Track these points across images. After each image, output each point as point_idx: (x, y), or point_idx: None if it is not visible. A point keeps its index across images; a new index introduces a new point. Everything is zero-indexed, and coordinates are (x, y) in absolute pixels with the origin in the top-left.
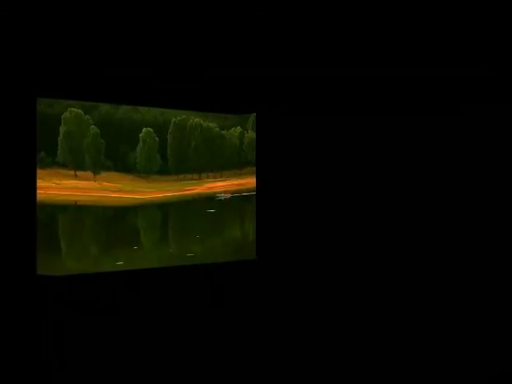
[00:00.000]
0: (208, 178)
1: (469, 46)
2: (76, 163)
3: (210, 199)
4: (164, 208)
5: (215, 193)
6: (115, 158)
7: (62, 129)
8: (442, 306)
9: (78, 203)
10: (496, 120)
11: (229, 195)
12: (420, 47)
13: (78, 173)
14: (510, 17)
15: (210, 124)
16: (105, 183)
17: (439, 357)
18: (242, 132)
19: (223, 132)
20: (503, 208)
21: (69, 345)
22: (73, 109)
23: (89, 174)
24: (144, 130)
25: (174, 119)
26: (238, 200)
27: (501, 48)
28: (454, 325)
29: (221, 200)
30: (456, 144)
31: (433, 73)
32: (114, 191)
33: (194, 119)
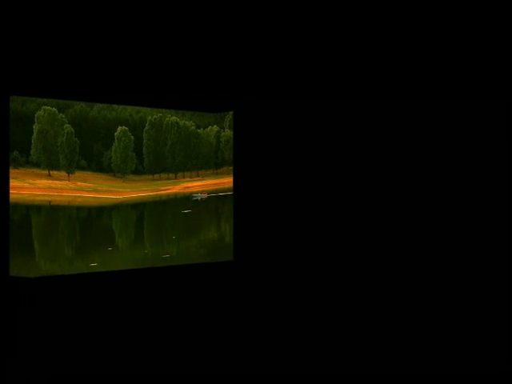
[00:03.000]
0: (184, 177)
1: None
2: (50, 162)
3: (186, 199)
4: (139, 208)
5: (192, 193)
6: (90, 157)
7: (35, 127)
8: (427, 309)
9: (51, 203)
10: (490, 113)
11: (205, 195)
12: (402, 35)
13: (52, 172)
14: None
15: (187, 122)
16: (79, 183)
17: (426, 359)
18: (218, 131)
19: (200, 131)
20: (502, 204)
21: (41, 347)
22: (46, 107)
23: (63, 173)
24: (119, 128)
25: (150, 117)
26: (215, 200)
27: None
28: (444, 325)
29: (197, 200)
30: (451, 132)
31: (425, 58)
32: (88, 191)
33: (171, 118)
